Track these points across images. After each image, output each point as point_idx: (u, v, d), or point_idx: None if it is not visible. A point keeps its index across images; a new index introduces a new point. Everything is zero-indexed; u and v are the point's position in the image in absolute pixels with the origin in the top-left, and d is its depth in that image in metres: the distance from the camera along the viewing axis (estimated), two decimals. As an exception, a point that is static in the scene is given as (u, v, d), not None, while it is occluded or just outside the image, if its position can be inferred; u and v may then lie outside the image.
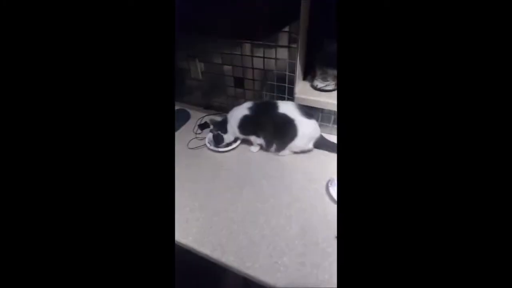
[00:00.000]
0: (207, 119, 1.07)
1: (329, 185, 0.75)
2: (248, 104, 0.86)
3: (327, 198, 0.74)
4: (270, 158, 0.90)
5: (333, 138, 0.93)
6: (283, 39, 0.85)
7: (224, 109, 0.93)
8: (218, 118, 0.95)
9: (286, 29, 0.82)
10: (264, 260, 0.60)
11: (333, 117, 0.95)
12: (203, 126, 1.04)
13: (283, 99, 0.99)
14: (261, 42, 0.88)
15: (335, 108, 0.90)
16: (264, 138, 0.86)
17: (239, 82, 1.03)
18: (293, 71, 0.90)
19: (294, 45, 0.84)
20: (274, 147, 0.87)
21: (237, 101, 1.08)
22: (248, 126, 0.86)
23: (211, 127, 0.93)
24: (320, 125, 0.97)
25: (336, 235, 0.64)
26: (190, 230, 0.67)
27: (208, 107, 1.18)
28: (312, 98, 0.93)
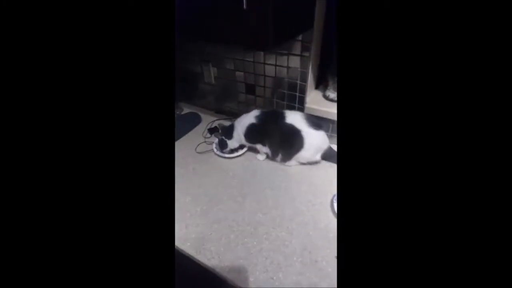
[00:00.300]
0: (217, 123, 1.07)
1: (334, 200, 0.73)
2: (255, 113, 0.85)
3: (331, 214, 0.72)
4: (276, 167, 0.88)
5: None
6: (296, 47, 0.83)
7: (235, 115, 0.93)
8: (227, 123, 0.95)
9: (300, 37, 0.80)
10: (259, 274, 0.59)
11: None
12: (212, 130, 1.04)
13: (293, 108, 0.97)
14: (273, 50, 0.87)
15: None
16: (270, 148, 0.85)
17: (251, 89, 1.03)
18: (304, 80, 0.89)
19: (306, 54, 0.83)
20: (280, 157, 0.85)
21: (248, 107, 1.08)
22: (254, 134, 0.85)
23: (220, 131, 0.94)
24: (330, 137, 0.94)
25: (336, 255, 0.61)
26: (189, 236, 0.67)
27: (219, 111, 1.18)
28: (323, 108, 0.91)
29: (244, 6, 0.49)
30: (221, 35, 0.60)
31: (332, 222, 0.70)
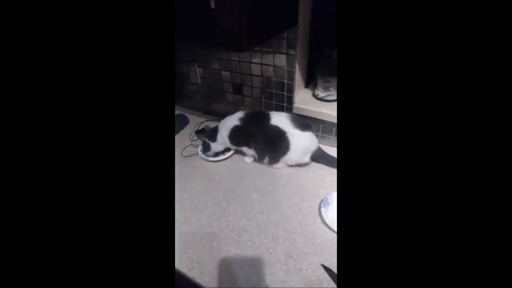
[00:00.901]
0: (205, 125, 1.04)
1: (322, 205, 0.70)
2: (239, 114, 0.82)
3: (319, 219, 0.69)
4: (263, 170, 0.86)
5: (334, 151, 0.87)
6: (282, 45, 0.80)
7: (223, 115, 0.90)
8: (215, 124, 0.92)
9: (285, 35, 0.77)
10: (241, 284, 0.56)
11: (335, 129, 0.89)
12: (199, 133, 1.01)
13: (282, 107, 0.94)
14: (258, 48, 0.84)
15: (336, 120, 0.84)
16: (256, 150, 0.82)
17: (238, 89, 1.00)
18: (292, 79, 0.85)
19: (292, 52, 0.79)
20: (267, 159, 0.82)
21: (236, 108, 1.05)
22: (238, 137, 0.82)
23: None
24: (321, 137, 0.91)
25: (323, 263, 0.59)
26: (170, 245, 0.65)
27: (207, 112, 1.15)
28: (313, 108, 0.88)
29: (212, 6, 0.45)
30: (196, 36, 0.57)
31: (319, 228, 0.67)
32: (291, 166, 0.84)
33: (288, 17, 0.70)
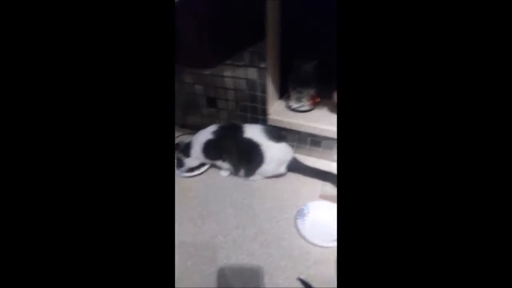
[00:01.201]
0: (180, 139, 1.02)
1: (297, 217, 0.69)
2: (212, 128, 0.82)
3: (295, 230, 0.68)
4: (240, 183, 0.84)
5: (310, 160, 0.88)
6: (252, 58, 0.81)
7: (199, 128, 0.89)
8: (189, 139, 0.91)
9: (254, 48, 0.78)
10: (215, 306, 0.54)
11: (309, 139, 0.90)
12: (175, 147, 0.99)
13: (257, 120, 0.94)
14: (230, 62, 0.85)
15: (310, 130, 0.86)
16: (230, 164, 0.81)
17: (212, 102, 0.99)
18: (264, 91, 0.86)
19: (263, 65, 0.80)
20: (242, 172, 0.81)
21: (212, 121, 1.03)
22: (212, 151, 0.81)
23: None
24: (296, 147, 0.92)
25: (300, 277, 0.58)
26: (141, 268, 0.61)
27: (183, 126, 1.14)
28: (287, 119, 0.88)
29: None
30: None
31: (296, 240, 0.66)
32: (267, 177, 0.84)
33: (255, 31, 0.71)
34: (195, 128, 1.10)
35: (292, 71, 0.86)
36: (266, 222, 0.71)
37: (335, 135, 0.83)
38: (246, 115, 0.96)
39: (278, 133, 0.81)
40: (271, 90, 0.89)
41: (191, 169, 0.87)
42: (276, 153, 0.78)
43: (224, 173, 0.86)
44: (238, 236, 0.68)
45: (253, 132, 0.77)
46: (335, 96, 0.85)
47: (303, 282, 0.57)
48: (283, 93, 0.98)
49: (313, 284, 0.56)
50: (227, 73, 0.89)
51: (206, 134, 0.81)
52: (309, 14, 0.87)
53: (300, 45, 0.90)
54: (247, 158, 0.77)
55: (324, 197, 0.76)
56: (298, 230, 0.67)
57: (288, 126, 0.89)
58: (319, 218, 0.70)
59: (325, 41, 0.72)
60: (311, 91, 0.86)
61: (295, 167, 0.83)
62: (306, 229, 0.67)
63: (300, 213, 0.70)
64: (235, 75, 0.88)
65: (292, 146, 0.89)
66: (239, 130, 0.78)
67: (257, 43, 0.76)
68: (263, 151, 0.76)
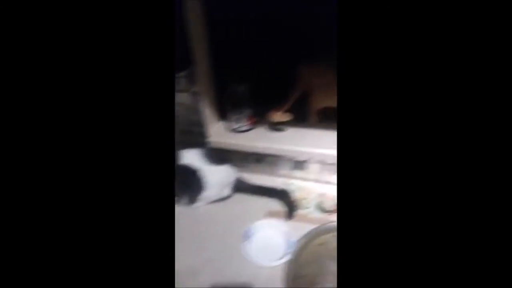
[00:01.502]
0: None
1: (243, 238, 0.68)
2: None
3: (241, 254, 0.66)
4: (182, 213, 0.80)
5: (254, 178, 0.88)
6: (183, 83, 0.80)
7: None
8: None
9: (184, 74, 0.78)
10: None
11: (252, 157, 0.91)
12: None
13: (199, 143, 0.92)
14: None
15: (252, 149, 0.87)
16: (170, 194, 0.77)
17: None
18: (200, 115, 0.86)
19: (195, 89, 0.80)
20: (184, 200, 0.78)
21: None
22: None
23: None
24: (240, 167, 0.91)
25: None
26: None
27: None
28: (228, 140, 0.89)
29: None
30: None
31: (244, 265, 0.64)
32: (212, 202, 0.81)
33: (181, 58, 0.71)
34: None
35: (227, 93, 0.87)
36: (212, 250, 0.68)
37: (276, 152, 0.85)
38: (186, 140, 0.94)
39: (218, 156, 0.80)
40: (208, 113, 0.89)
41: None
42: (216, 177, 0.76)
43: (167, 204, 0.82)
44: (183, 270, 0.63)
45: (190, 157, 0.75)
46: (270, 115, 0.88)
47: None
48: (222, 115, 0.99)
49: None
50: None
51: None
52: (239, 36, 0.91)
53: (233, 67, 0.92)
54: (185, 186, 0.74)
55: (271, 214, 0.76)
56: (245, 253, 0.66)
57: (230, 147, 0.89)
58: (266, 237, 0.69)
59: (257, 63, 0.75)
60: (248, 111, 0.88)
61: (240, 187, 0.83)
62: (252, 251, 0.65)
63: (245, 235, 0.68)
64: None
65: (236, 166, 0.89)
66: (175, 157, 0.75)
67: (186, 68, 0.76)
68: (202, 176, 0.74)
